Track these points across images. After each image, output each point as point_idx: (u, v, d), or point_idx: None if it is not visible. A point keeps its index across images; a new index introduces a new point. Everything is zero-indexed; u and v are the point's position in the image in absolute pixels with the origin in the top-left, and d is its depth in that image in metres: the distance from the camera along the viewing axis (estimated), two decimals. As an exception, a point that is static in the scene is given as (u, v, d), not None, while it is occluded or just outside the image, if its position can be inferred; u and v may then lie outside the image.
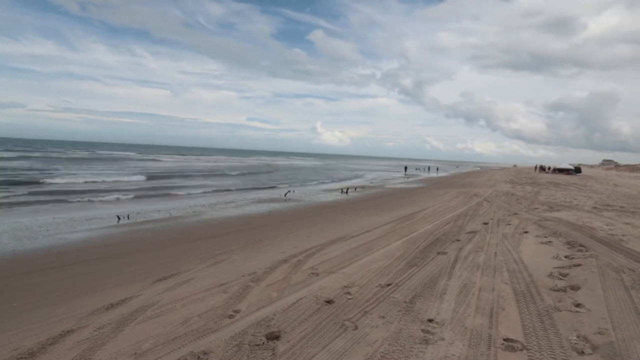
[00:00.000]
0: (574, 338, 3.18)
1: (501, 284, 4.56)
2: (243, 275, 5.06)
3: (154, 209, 12.63)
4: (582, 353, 2.95)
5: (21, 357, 3.03)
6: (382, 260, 5.73)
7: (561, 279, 4.73)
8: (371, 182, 28.91)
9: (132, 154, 74.99)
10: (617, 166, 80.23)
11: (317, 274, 5.07)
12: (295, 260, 5.85)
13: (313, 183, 27.78)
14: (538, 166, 54.99)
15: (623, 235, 7.44)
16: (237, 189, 21.15)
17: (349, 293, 4.30)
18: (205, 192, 18.97)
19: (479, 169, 74.98)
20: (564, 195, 16.39)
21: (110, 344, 3.21)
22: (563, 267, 5.19)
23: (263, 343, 3.14)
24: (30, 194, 15.82)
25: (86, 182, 21.88)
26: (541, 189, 19.96)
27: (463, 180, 30.71)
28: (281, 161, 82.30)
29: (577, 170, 45.84)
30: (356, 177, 37.48)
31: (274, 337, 3.25)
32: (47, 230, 8.97)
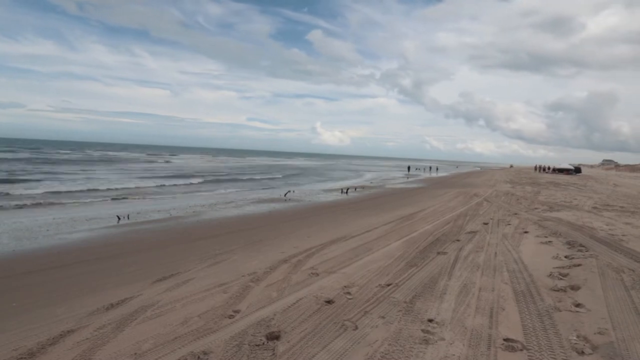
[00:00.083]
0: (574, 338, 3.18)
1: (501, 284, 4.56)
2: (243, 275, 5.06)
3: (154, 209, 12.62)
4: (582, 353, 2.95)
5: (21, 357, 3.03)
6: (382, 260, 5.73)
7: (561, 279, 4.73)
8: (371, 182, 28.91)
9: (142, 155, 75.23)
10: (617, 166, 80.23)
11: (317, 274, 5.07)
12: (295, 260, 5.85)
13: (320, 182, 28.13)
14: (538, 166, 54.99)
15: (623, 235, 7.44)
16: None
17: (349, 293, 4.30)
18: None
19: (479, 169, 74.96)
20: (564, 195, 16.39)
21: (110, 344, 3.21)
22: (563, 267, 5.19)
23: (263, 343, 3.14)
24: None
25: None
26: (541, 189, 19.96)
27: (463, 181, 30.71)
28: (294, 162, 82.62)
29: (577, 170, 45.84)
30: (356, 177, 37.50)
31: (274, 337, 3.25)
32: (47, 230, 8.97)
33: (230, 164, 57.63)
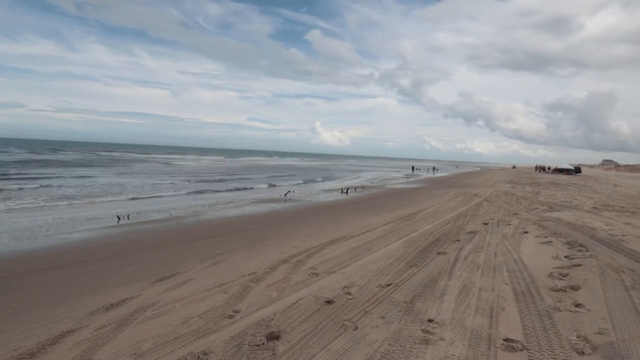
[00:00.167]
0: (574, 338, 3.18)
1: (501, 284, 4.56)
2: (243, 275, 5.06)
3: (154, 209, 12.62)
4: (582, 353, 2.95)
5: (21, 357, 3.03)
6: (382, 260, 5.73)
7: (561, 279, 4.73)
8: (371, 182, 28.91)
9: (158, 156, 75.17)
10: (617, 166, 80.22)
11: (317, 274, 5.07)
12: (295, 260, 5.85)
13: (319, 182, 27.98)
14: (538, 166, 55.01)
15: (623, 235, 7.44)
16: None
17: (349, 293, 4.30)
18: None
19: (479, 169, 74.99)
20: (564, 196, 16.39)
21: (110, 344, 3.21)
22: (563, 267, 5.19)
23: (263, 343, 3.14)
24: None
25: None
26: (541, 189, 19.96)
27: (463, 181, 30.71)
28: (304, 162, 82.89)
29: (577, 170, 45.84)
30: (356, 177, 37.51)
31: (274, 337, 3.25)
32: (47, 230, 8.97)
33: (260, 164, 59.86)
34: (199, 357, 2.93)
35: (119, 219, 10.47)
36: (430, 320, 3.55)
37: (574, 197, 15.52)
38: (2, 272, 5.79)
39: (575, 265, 5.27)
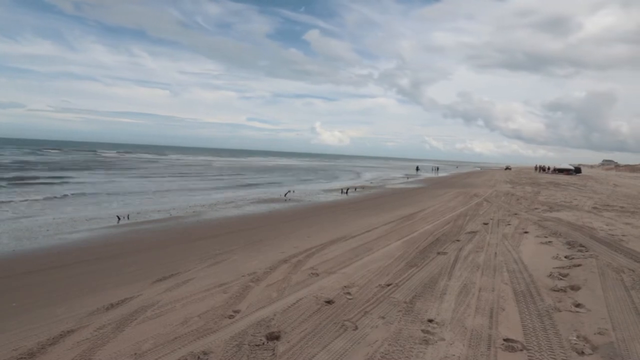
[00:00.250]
0: (574, 338, 3.18)
1: (501, 284, 4.56)
2: (243, 275, 5.06)
3: (154, 209, 12.62)
4: (582, 353, 2.94)
5: (21, 357, 3.03)
6: (382, 261, 5.73)
7: (561, 279, 4.73)
8: (371, 182, 28.91)
9: (172, 157, 74.87)
10: (617, 166, 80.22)
11: (317, 274, 5.06)
12: (295, 260, 5.85)
13: (318, 182, 27.92)
14: (538, 166, 55.03)
15: (623, 235, 7.44)
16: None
17: (349, 293, 4.30)
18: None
19: (479, 169, 75.01)
20: (564, 196, 16.39)
21: (110, 344, 3.21)
22: (563, 267, 5.19)
23: (263, 343, 3.14)
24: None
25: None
26: (541, 189, 19.96)
27: (463, 181, 30.71)
28: (313, 162, 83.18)
29: (577, 170, 45.85)
30: (356, 177, 37.52)
31: (274, 337, 3.25)
32: (47, 230, 8.97)
33: (268, 165, 60.21)
34: (199, 357, 2.93)
35: (119, 219, 10.48)
36: (430, 321, 3.55)
37: (574, 197, 15.52)
38: (2, 272, 5.79)
39: (575, 265, 5.27)
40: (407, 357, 2.92)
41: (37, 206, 12.75)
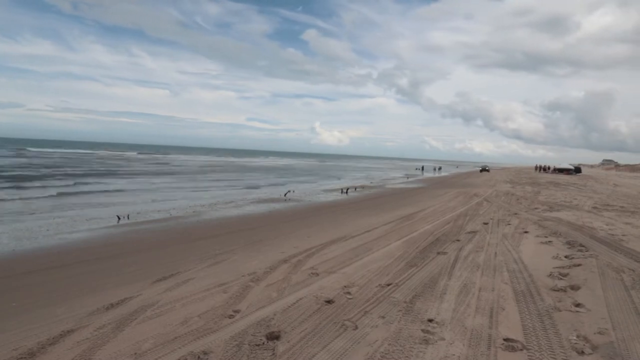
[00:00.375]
0: (574, 338, 3.18)
1: (501, 284, 4.56)
2: (243, 275, 5.06)
3: (154, 209, 12.62)
4: (582, 353, 2.94)
5: (21, 357, 3.03)
6: (382, 260, 5.73)
7: (561, 279, 4.73)
8: (371, 182, 28.91)
9: (185, 157, 74.50)
10: (617, 166, 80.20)
11: (317, 274, 5.06)
12: (295, 260, 5.85)
13: (316, 182, 27.92)
14: (538, 166, 55.06)
15: (623, 235, 7.44)
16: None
17: (349, 293, 4.30)
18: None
19: (479, 169, 74.92)
20: (564, 195, 16.39)
21: (110, 344, 3.21)
22: (563, 267, 5.19)
23: (263, 343, 3.14)
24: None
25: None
26: (541, 189, 19.96)
27: (463, 181, 30.71)
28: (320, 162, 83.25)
29: (577, 170, 45.85)
30: (356, 177, 37.52)
31: (274, 337, 3.25)
32: (47, 230, 8.97)
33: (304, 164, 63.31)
34: (199, 357, 2.93)
35: (119, 219, 10.48)
36: (430, 320, 3.54)
37: (574, 197, 15.52)
38: (2, 272, 5.79)
39: (575, 265, 5.27)
40: (407, 356, 2.92)
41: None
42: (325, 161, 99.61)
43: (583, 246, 6.41)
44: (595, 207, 12.09)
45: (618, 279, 4.67)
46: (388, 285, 4.56)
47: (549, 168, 51.27)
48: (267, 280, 4.86)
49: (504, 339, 3.17)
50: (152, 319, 3.69)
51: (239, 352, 2.99)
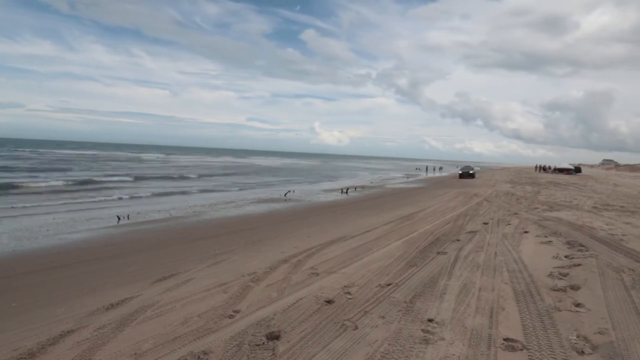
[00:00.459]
0: (574, 338, 3.18)
1: (501, 284, 4.56)
2: (243, 275, 5.06)
3: (154, 209, 12.62)
4: (582, 353, 2.94)
5: (21, 357, 3.03)
6: (382, 260, 5.73)
7: (561, 278, 4.73)
8: (371, 182, 28.92)
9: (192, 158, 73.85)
10: (617, 166, 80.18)
11: (317, 274, 5.06)
12: (295, 260, 5.85)
13: (315, 182, 27.89)
14: (538, 166, 55.08)
15: (623, 235, 7.43)
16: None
17: (349, 293, 4.30)
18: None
19: (479, 169, 74.99)
20: (564, 195, 16.38)
21: (110, 344, 3.21)
22: (563, 267, 5.19)
23: (263, 343, 3.14)
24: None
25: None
26: (541, 189, 19.95)
27: (463, 181, 30.71)
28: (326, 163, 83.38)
29: (577, 170, 45.85)
30: (356, 177, 37.53)
31: (274, 337, 3.25)
32: (47, 230, 8.97)
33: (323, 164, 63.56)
34: (199, 357, 2.93)
35: (119, 219, 10.48)
36: (430, 320, 3.54)
37: (574, 197, 15.52)
38: (2, 272, 5.79)
39: (575, 265, 5.27)
40: (407, 356, 2.92)
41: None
42: (328, 161, 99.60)
43: (583, 246, 6.41)
44: (595, 207, 12.08)
45: (618, 279, 4.67)
46: (388, 285, 4.56)
47: (549, 168, 51.28)
48: (267, 280, 4.86)
49: (504, 339, 3.17)
50: (152, 319, 3.69)
51: (239, 352, 2.99)
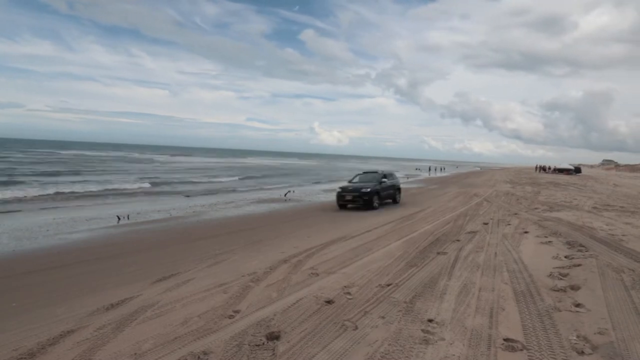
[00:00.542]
0: (574, 338, 3.18)
1: (501, 284, 4.56)
2: (243, 275, 5.06)
3: (154, 209, 12.62)
4: (582, 353, 2.94)
5: (21, 357, 3.03)
6: (382, 261, 5.72)
7: (561, 279, 4.73)
8: (371, 182, 28.85)
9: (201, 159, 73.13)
10: (617, 166, 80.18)
11: (317, 274, 5.06)
12: (295, 260, 5.85)
13: (315, 183, 27.84)
14: (538, 166, 55.10)
15: (623, 235, 7.43)
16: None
17: (349, 293, 4.30)
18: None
19: (479, 169, 75.08)
20: (564, 195, 16.38)
21: (110, 344, 3.21)
22: (563, 267, 5.19)
23: (263, 343, 3.14)
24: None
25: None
26: (541, 189, 19.95)
27: (463, 181, 30.71)
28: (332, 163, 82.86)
29: (577, 170, 45.86)
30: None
31: (274, 337, 3.25)
32: (47, 230, 8.96)
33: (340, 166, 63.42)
34: (199, 357, 2.93)
35: (119, 219, 10.48)
36: (430, 320, 3.54)
37: (574, 197, 15.52)
38: (2, 272, 5.79)
39: (575, 265, 5.27)
40: (407, 357, 2.92)
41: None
42: (328, 161, 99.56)
43: (583, 246, 6.41)
44: (595, 207, 12.08)
45: (618, 279, 4.67)
46: (388, 285, 4.56)
47: (549, 168, 51.30)
48: (267, 280, 4.86)
49: (504, 339, 3.17)
50: (152, 319, 3.69)
51: (239, 352, 2.99)
